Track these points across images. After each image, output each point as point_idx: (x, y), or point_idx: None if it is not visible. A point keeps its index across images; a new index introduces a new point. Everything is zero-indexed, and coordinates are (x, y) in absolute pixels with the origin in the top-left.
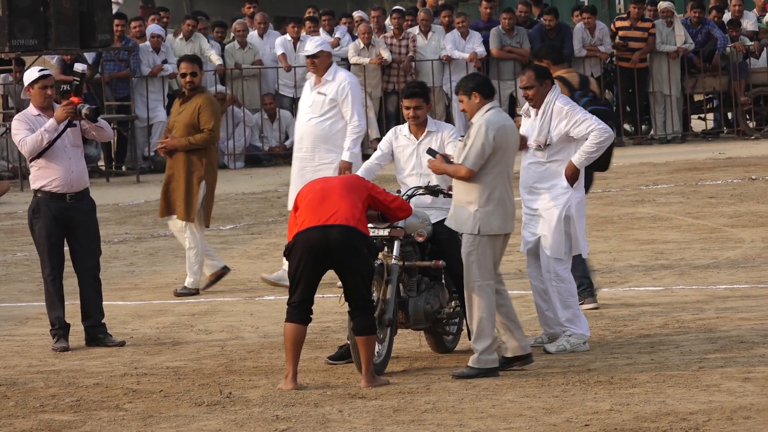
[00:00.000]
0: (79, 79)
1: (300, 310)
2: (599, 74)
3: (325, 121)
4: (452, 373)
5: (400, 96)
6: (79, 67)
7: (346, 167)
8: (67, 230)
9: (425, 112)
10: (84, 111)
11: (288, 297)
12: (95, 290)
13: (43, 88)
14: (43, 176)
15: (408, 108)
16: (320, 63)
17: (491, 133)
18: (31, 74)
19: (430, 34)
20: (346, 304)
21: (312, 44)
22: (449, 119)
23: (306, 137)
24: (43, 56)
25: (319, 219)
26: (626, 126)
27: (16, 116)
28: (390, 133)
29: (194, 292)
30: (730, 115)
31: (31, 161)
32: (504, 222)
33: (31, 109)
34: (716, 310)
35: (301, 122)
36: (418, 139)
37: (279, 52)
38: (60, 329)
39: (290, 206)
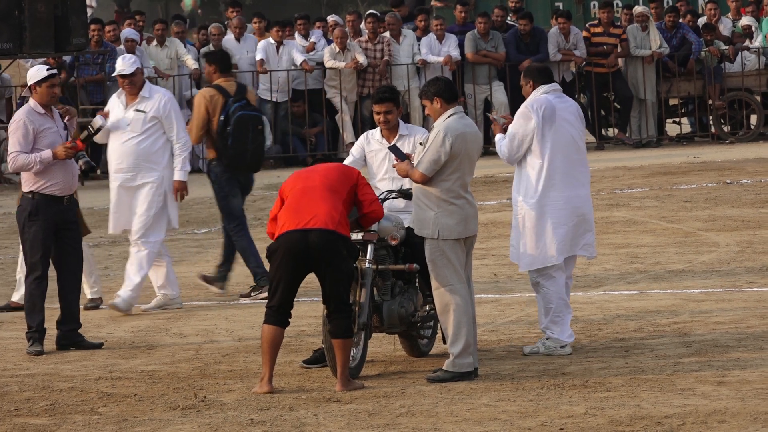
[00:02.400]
0: (93, 131)
1: (279, 313)
2: (571, 79)
3: (146, 139)
4: (427, 377)
5: (371, 101)
6: (99, 121)
7: (181, 187)
8: (56, 233)
9: (396, 117)
10: (80, 162)
11: (267, 300)
12: (77, 295)
13: (50, 87)
14: (42, 178)
15: (378, 113)
16: (137, 81)
17: (448, 141)
18: (38, 72)
19: (401, 38)
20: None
21: (127, 63)
22: (427, 123)
23: (127, 157)
24: (17, 60)
25: (299, 222)
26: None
27: (23, 111)
28: (362, 138)
29: (100, 302)
30: (704, 119)
31: None
32: (465, 226)
33: (37, 107)
34: (691, 314)
35: (119, 142)
36: (390, 143)
37: (258, 56)
38: (36, 332)
39: (112, 230)
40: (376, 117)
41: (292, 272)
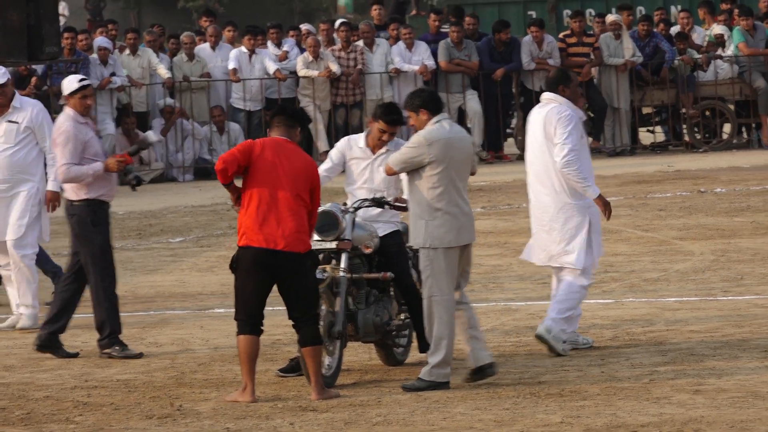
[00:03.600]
0: (144, 146)
1: (252, 323)
2: None
3: (20, 150)
4: (403, 385)
5: (376, 116)
6: (152, 136)
7: (53, 198)
8: None
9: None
10: (130, 177)
11: (236, 311)
12: (77, 302)
13: (83, 98)
14: (96, 186)
15: (384, 132)
16: (8, 92)
17: (425, 144)
18: (70, 84)
19: (374, 47)
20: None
21: None
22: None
23: (2, 169)
24: None
25: (267, 240)
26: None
27: (69, 122)
28: (343, 143)
29: None
30: (678, 127)
31: None
32: (456, 234)
33: (78, 117)
34: (666, 322)
35: None
36: (374, 154)
37: (231, 66)
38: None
39: None
40: (377, 133)
41: (260, 283)
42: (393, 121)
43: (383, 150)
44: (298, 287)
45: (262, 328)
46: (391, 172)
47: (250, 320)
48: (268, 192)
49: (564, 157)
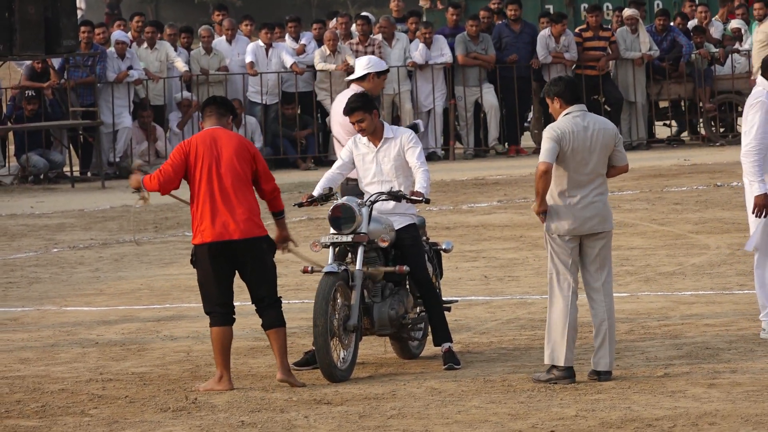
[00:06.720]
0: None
1: (224, 313)
2: None
3: None
4: (533, 377)
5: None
6: (422, 126)
7: None
8: None
9: (371, 123)
10: None
11: (204, 306)
12: None
13: (384, 80)
14: None
15: (352, 123)
16: None
17: (548, 138)
18: (380, 64)
19: (393, 41)
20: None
21: None
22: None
23: None
24: (8, 62)
25: (222, 233)
26: None
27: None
28: (350, 142)
29: None
30: (694, 121)
31: None
32: (570, 224)
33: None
34: (682, 316)
35: None
36: (376, 147)
37: (248, 59)
38: None
39: None
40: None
41: (221, 274)
42: (347, 111)
43: (382, 141)
44: (257, 271)
45: (234, 317)
46: (544, 167)
47: (219, 311)
48: (213, 185)
49: (745, 146)
